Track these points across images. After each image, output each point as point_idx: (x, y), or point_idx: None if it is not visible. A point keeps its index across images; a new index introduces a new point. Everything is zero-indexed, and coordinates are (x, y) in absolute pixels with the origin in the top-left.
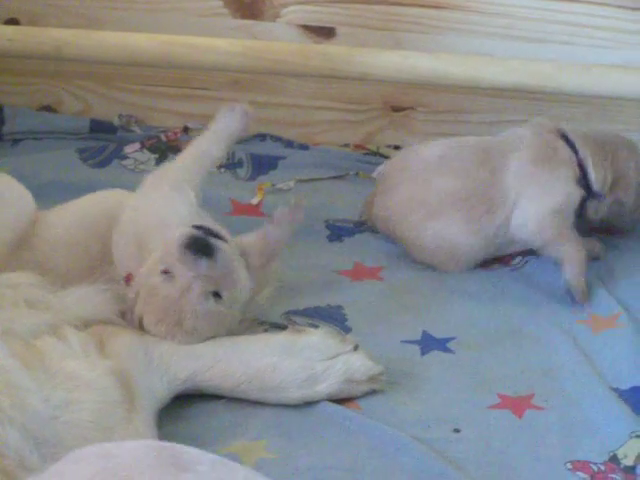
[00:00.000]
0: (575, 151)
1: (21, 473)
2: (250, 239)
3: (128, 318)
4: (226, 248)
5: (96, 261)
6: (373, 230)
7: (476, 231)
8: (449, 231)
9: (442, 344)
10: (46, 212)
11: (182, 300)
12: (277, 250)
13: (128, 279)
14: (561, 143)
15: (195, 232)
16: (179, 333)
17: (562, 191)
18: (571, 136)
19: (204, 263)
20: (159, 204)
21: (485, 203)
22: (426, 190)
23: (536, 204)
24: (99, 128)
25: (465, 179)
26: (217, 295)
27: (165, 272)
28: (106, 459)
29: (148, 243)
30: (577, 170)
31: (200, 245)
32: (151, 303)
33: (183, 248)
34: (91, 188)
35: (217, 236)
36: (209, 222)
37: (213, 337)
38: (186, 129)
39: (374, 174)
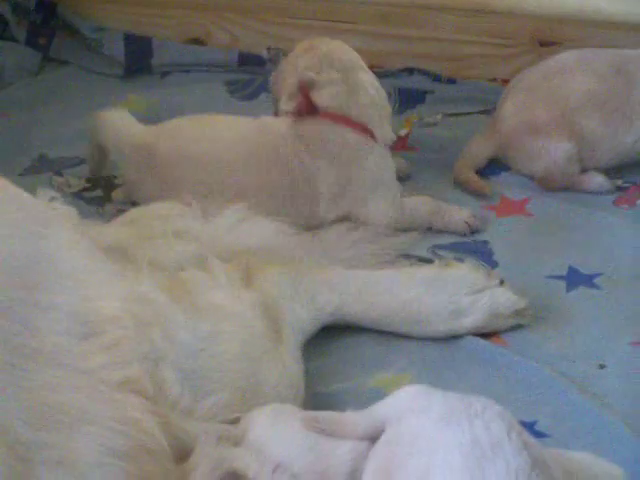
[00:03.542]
0: None
1: (175, 417)
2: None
3: None
4: None
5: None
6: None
7: (613, 135)
8: (588, 129)
9: (588, 280)
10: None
11: None
12: None
13: None
14: None
15: None
16: None
17: None
18: None
19: None
20: None
21: (623, 110)
22: (564, 88)
23: None
24: (247, 61)
25: (602, 83)
26: None
27: None
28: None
29: None
30: None
31: None
32: None
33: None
34: None
35: None
36: None
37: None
38: None
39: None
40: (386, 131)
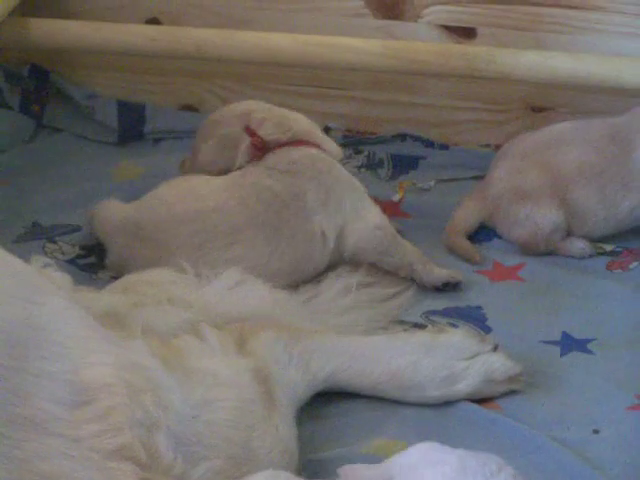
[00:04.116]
0: None
1: None
2: None
3: None
4: None
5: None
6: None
7: (610, 205)
8: (582, 201)
9: (582, 345)
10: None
11: None
12: None
13: None
14: None
15: None
16: None
17: None
18: None
19: None
20: None
21: (620, 179)
22: (558, 158)
23: None
24: None
25: (598, 153)
26: None
27: None
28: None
29: None
30: None
31: None
32: None
33: None
34: None
35: None
36: None
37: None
38: (327, 129)
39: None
40: (333, 146)
